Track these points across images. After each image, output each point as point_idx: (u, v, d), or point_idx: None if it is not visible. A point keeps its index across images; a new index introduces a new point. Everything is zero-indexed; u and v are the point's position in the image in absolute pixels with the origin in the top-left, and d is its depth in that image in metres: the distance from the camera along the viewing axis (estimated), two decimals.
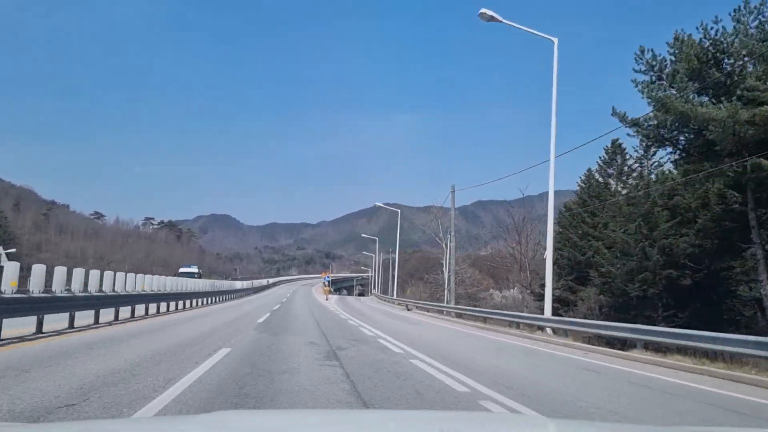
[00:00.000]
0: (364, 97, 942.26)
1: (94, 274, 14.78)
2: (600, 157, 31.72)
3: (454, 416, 3.92)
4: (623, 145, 30.38)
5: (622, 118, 22.63)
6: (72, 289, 12.96)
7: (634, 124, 22.80)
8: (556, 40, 19.70)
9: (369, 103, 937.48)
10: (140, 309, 18.21)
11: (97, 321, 13.76)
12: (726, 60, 20.20)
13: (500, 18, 19.38)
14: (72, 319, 12.52)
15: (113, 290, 15.88)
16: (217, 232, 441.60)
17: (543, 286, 21.40)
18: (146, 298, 18.89)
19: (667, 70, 21.28)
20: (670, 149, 23.87)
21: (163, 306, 20.96)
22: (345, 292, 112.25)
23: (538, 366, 10.60)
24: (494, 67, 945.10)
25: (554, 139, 19.53)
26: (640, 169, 29.09)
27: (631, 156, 29.74)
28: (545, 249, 20.68)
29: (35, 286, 11.32)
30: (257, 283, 72.35)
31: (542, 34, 20.13)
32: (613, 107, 22.52)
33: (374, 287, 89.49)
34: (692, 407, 6.98)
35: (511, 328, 20.77)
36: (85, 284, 14.08)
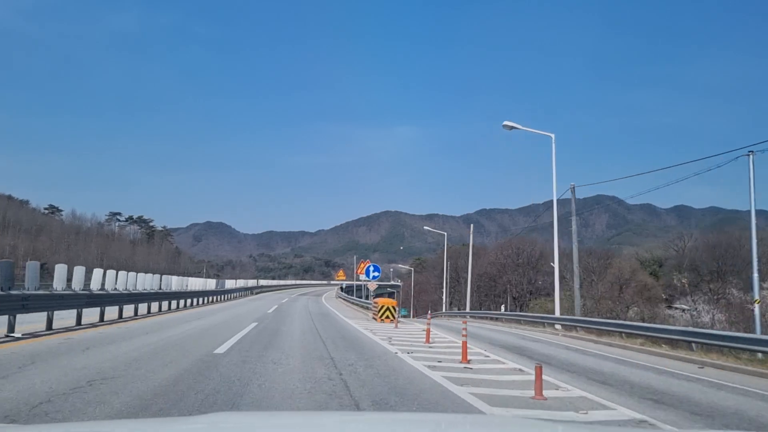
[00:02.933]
0: (364, 111, 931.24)
1: None
2: None
3: (451, 419, 3.81)
4: None
5: None
6: None
7: None
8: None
9: (369, 115, 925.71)
10: None
11: None
12: None
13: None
14: None
15: None
16: (212, 239, 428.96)
17: None
18: None
19: None
20: None
21: None
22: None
23: None
24: (492, 74, 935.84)
25: None
26: None
27: None
28: None
29: None
30: (166, 283, 24.60)
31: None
32: None
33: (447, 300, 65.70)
34: None
35: None
36: None
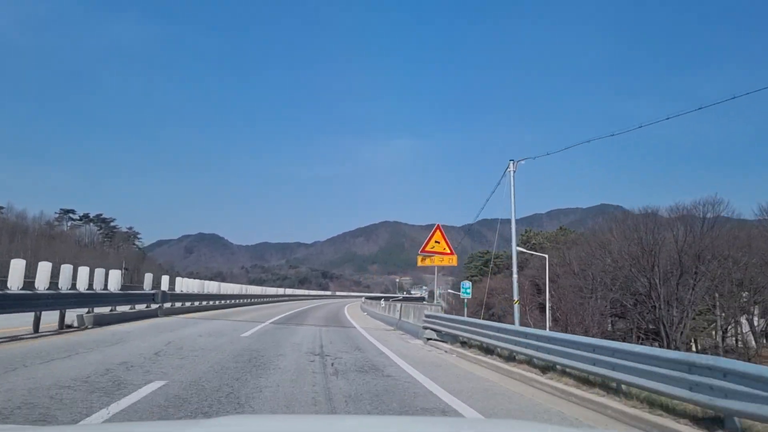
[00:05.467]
0: (363, 123, 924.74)
1: None
2: None
3: (457, 422, 3.92)
4: None
5: None
6: None
7: None
8: None
9: (369, 128, 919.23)
10: None
11: None
12: None
13: None
14: None
15: None
16: (204, 251, 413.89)
17: None
18: None
19: None
20: None
21: None
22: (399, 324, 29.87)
23: None
24: (490, 86, 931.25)
25: None
26: None
27: None
28: None
29: None
30: None
31: None
32: None
33: None
34: None
35: None
36: None
